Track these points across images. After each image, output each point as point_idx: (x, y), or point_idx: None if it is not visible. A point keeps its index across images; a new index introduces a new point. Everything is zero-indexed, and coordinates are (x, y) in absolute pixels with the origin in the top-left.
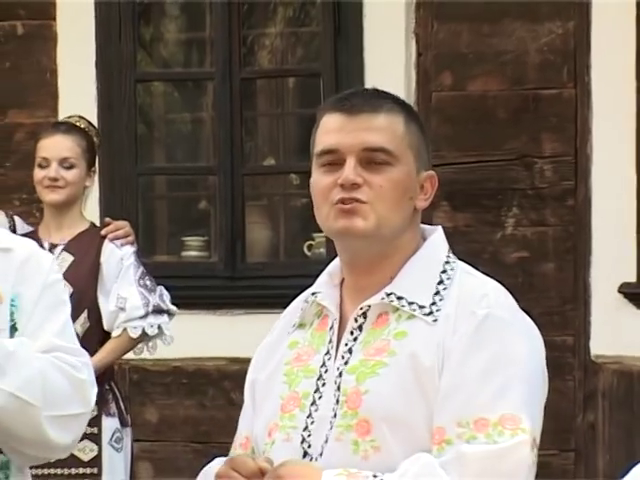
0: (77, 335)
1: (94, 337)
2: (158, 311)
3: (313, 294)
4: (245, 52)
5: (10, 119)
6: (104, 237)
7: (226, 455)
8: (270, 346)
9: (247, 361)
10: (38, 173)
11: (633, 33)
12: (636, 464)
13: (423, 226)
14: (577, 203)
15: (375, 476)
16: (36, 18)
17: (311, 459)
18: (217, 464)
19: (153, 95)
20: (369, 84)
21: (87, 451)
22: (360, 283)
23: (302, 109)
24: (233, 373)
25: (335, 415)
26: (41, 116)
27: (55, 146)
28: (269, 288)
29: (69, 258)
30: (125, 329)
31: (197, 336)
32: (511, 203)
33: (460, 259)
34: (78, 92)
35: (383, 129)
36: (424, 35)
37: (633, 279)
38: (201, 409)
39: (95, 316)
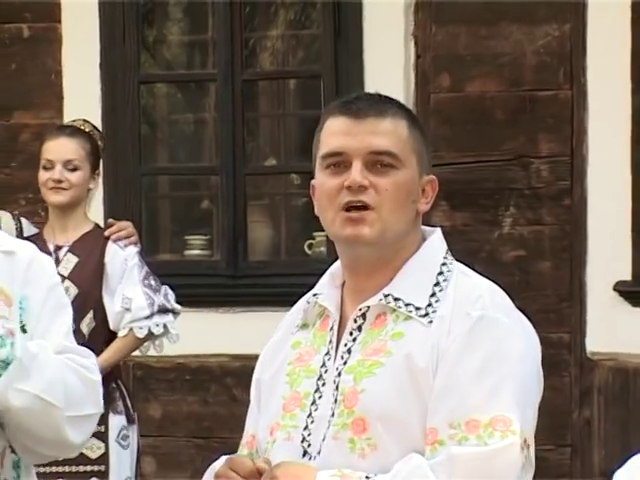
0: (83, 335)
1: (100, 337)
2: (163, 311)
3: (315, 295)
4: (247, 54)
5: (16, 120)
6: (108, 238)
7: (229, 451)
8: (274, 346)
9: (249, 358)
10: (43, 175)
11: (628, 35)
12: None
13: (423, 228)
14: (573, 203)
15: (368, 477)
16: (41, 21)
17: (310, 458)
18: (218, 463)
19: (156, 96)
20: (369, 86)
21: (94, 449)
22: (360, 285)
23: (303, 110)
24: (235, 370)
25: (333, 414)
26: (46, 117)
27: (59, 148)
28: (270, 286)
29: (74, 259)
30: (131, 329)
31: (200, 333)
32: (508, 203)
33: (458, 258)
34: (83, 93)
35: (389, 133)
36: (423, 37)
37: (628, 277)
38: (204, 405)
39: (100, 316)
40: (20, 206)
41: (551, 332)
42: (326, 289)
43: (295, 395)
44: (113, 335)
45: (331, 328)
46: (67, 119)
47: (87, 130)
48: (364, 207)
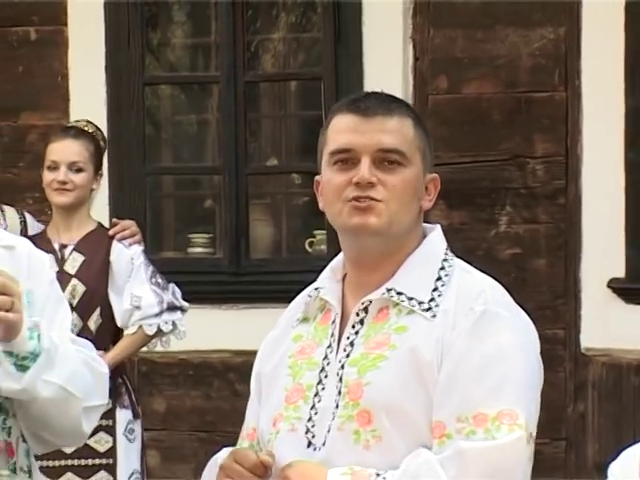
0: (91, 332)
1: (107, 334)
2: (172, 308)
3: (316, 289)
4: (249, 57)
5: (23, 121)
6: (112, 237)
7: (232, 444)
8: (275, 340)
9: (251, 353)
10: (48, 176)
11: (622, 38)
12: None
13: (423, 225)
14: (568, 202)
15: (378, 474)
16: (48, 24)
17: (315, 449)
18: (224, 454)
19: (160, 98)
20: (368, 87)
21: (103, 442)
22: (363, 279)
23: (304, 111)
24: (237, 365)
25: (337, 406)
26: (53, 118)
27: (64, 150)
28: (272, 283)
29: (80, 258)
30: (141, 326)
31: (203, 330)
32: (504, 202)
33: (456, 256)
34: (88, 95)
35: (396, 131)
36: (421, 40)
37: (622, 275)
38: (206, 400)
39: (107, 313)
40: (27, 205)
41: (546, 328)
42: (327, 283)
43: (298, 387)
44: (119, 332)
45: (333, 321)
46: (73, 120)
47: (90, 131)
48: (372, 200)
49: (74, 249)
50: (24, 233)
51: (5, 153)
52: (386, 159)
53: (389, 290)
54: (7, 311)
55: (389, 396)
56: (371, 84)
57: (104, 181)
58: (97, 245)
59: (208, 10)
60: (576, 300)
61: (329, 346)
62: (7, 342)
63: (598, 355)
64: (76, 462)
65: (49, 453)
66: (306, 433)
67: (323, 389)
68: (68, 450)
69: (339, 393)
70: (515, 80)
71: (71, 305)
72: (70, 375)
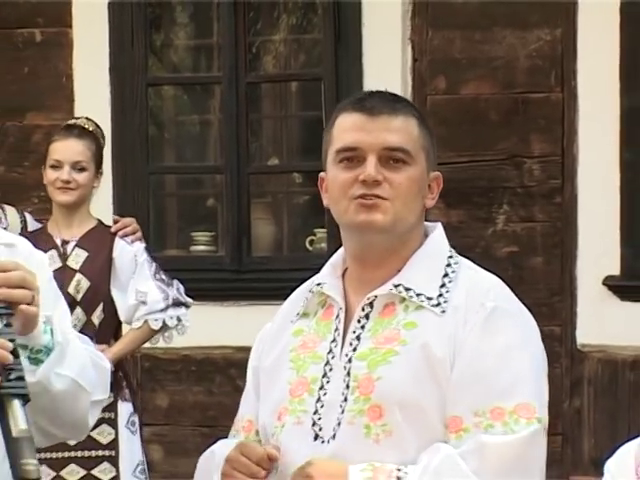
0: (94, 326)
1: (109, 328)
2: (177, 304)
3: (318, 284)
4: (251, 58)
5: (28, 121)
6: (114, 234)
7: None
8: (274, 334)
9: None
10: (51, 174)
11: (617, 40)
12: (620, 445)
13: (424, 223)
14: (564, 200)
15: (399, 469)
16: (53, 26)
17: (322, 442)
18: (219, 447)
19: (163, 98)
20: (368, 88)
21: (105, 434)
22: (367, 276)
23: (304, 112)
24: (239, 361)
25: (345, 399)
26: (58, 118)
27: (68, 149)
28: (273, 281)
29: (83, 254)
30: (146, 321)
31: (205, 326)
32: (502, 200)
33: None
34: (93, 95)
35: (401, 130)
36: (419, 42)
37: (617, 272)
38: (209, 395)
39: (109, 308)
40: (32, 204)
41: (543, 325)
42: (329, 279)
43: (302, 380)
44: (119, 327)
45: (337, 316)
46: (72, 118)
47: (91, 129)
48: (378, 197)
49: (77, 245)
50: (24, 232)
51: (11, 153)
52: (391, 157)
53: (397, 286)
54: (28, 305)
55: (402, 391)
56: (371, 85)
57: (108, 180)
58: (99, 241)
59: (210, 12)
60: (572, 297)
61: (333, 340)
62: (23, 335)
63: (594, 351)
64: (79, 454)
65: (52, 445)
66: (312, 426)
67: (328, 382)
68: (71, 442)
69: (347, 387)
70: (512, 81)
71: (75, 300)
72: (80, 369)
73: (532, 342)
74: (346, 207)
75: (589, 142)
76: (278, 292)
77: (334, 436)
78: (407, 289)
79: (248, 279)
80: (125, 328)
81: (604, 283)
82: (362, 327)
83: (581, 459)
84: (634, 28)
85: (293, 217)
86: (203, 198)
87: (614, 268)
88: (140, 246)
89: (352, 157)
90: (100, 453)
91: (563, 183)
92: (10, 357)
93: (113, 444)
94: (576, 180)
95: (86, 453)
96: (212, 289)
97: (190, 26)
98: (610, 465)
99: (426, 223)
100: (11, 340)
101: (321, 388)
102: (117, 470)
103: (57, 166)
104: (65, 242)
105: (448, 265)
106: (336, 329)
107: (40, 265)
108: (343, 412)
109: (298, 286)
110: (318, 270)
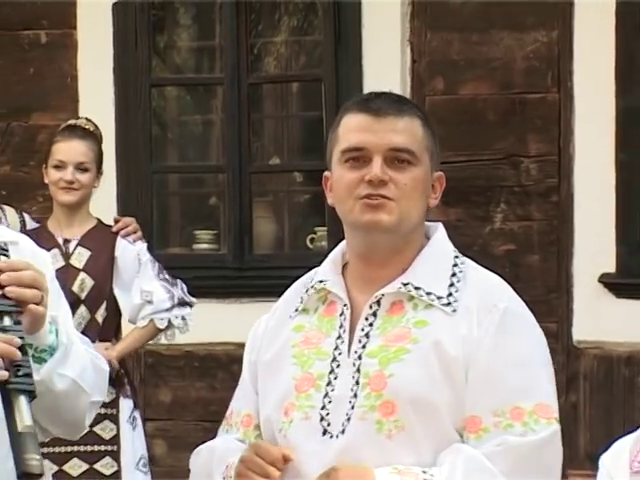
0: (98, 324)
1: (111, 326)
2: (182, 303)
3: (321, 281)
4: (252, 59)
5: (34, 121)
6: (116, 233)
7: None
8: (272, 329)
9: None
10: (54, 174)
11: (613, 41)
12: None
13: (426, 223)
14: (560, 199)
15: (424, 472)
16: (58, 28)
17: (331, 436)
18: (219, 444)
19: (167, 99)
20: (367, 89)
21: (107, 430)
22: (371, 274)
23: (305, 112)
24: (241, 357)
25: (355, 395)
26: (63, 118)
27: (71, 150)
28: (274, 278)
29: (86, 253)
30: (152, 320)
31: (208, 323)
32: (499, 199)
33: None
34: (97, 96)
35: (406, 131)
36: (418, 43)
37: (612, 270)
38: (211, 391)
39: (112, 307)
40: (38, 202)
41: (540, 321)
42: (331, 276)
43: (308, 376)
44: (120, 325)
45: (341, 313)
46: (72, 118)
47: (91, 130)
48: (384, 197)
49: (79, 244)
50: (24, 231)
51: (17, 152)
52: (397, 158)
53: (405, 284)
54: (37, 304)
55: (415, 388)
56: (370, 86)
57: (112, 179)
58: (101, 241)
59: (213, 14)
60: (568, 294)
61: (339, 337)
62: (30, 334)
63: (589, 348)
64: (82, 448)
65: (55, 440)
66: (321, 421)
67: (336, 378)
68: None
69: (357, 383)
70: (509, 82)
71: (80, 298)
72: (81, 370)
73: (543, 342)
74: (352, 207)
75: (585, 142)
76: (279, 289)
77: (343, 431)
78: (416, 288)
79: (250, 276)
80: (125, 325)
81: (600, 281)
82: (370, 325)
83: (577, 454)
84: (629, 30)
85: (294, 215)
86: (205, 197)
87: (609, 266)
88: (142, 245)
89: (358, 157)
90: (102, 448)
91: (559, 182)
92: (19, 354)
93: (115, 439)
94: (572, 179)
95: (89, 448)
96: (214, 286)
97: (193, 28)
98: (605, 459)
99: (428, 223)
100: (20, 338)
101: (328, 384)
102: (118, 465)
103: (60, 166)
104: (67, 241)
105: (455, 265)
106: (341, 326)
107: (43, 264)
108: (353, 408)
109: None
110: None
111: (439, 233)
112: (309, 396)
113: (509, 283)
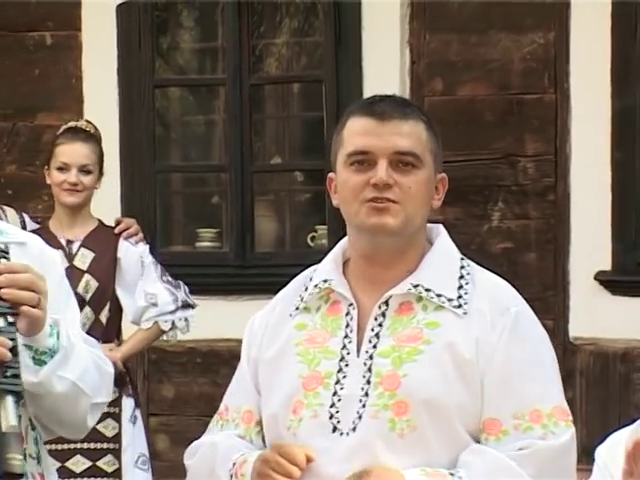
0: (102, 325)
1: (114, 327)
2: (185, 306)
3: (325, 281)
4: (254, 60)
5: (39, 121)
6: (118, 235)
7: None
8: (272, 326)
9: None
10: (58, 176)
11: (608, 43)
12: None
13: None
14: (557, 198)
15: (452, 474)
16: (63, 29)
17: (341, 434)
18: (222, 440)
19: (170, 99)
20: (367, 90)
21: (110, 428)
22: (376, 275)
23: (306, 112)
24: None
25: (367, 394)
26: (68, 119)
27: (75, 153)
28: (275, 276)
29: (90, 254)
30: (156, 322)
31: (210, 320)
32: (497, 198)
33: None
34: (101, 97)
35: (411, 134)
36: (417, 45)
37: (608, 267)
38: (214, 386)
39: (115, 307)
40: (43, 201)
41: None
42: (334, 275)
43: (315, 374)
44: (121, 325)
45: (347, 313)
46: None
47: (92, 132)
48: (389, 201)
49: (82, 245)
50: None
51: (22, 152)
52: (401, 161)
53: (416, 286)
54: (34, 307)
55: (429, 389)
56: (370, 87)
57: (116, 178)
58: (104, 242)
59: (215, 16)
60: (565, 292)
61: (346, 336)
62: (29, 336)
63: (586, 344)
64: (85, 445)
65: (59, 437)
66: (330, 419)
67: (345, 377)
68: None
69: (368, 382)
70: (507, 83)
71: (84, 299)
72: (82, 373)
73: (550, 344)
74: (357, 210)
75: (581, 142)
76: (280, 287)
77: (354, 429)
78: (427, 289)
79: (251, 274)
80: (127, 325)
81: (596, 278)
82: (380, 325)
83: None
84: (625, 32)
85: (295, 214)
86: (208, 196)
87: (605, 263)
88: (145, 247)
89: (363, 160)
90: (105, 446)
91: (556, 181)
92: (8, 354)
93: (117, 437)
94: (569, 178)
95: (92, 445)
96: (217, 284)
97: (195, 29)
98: (601, 451)
99: (428, 224)
100: (12, 339)
101: (337, 382)
102: (119, 462)
103: (64, 168)
104: (69, 242)
105: (462, 267)
106: (347, 325)
107: (52, 263)
108: (364, 406)
109: None
110: None
111: (443, 236)
112: (317, 394)
113: (507, 281)
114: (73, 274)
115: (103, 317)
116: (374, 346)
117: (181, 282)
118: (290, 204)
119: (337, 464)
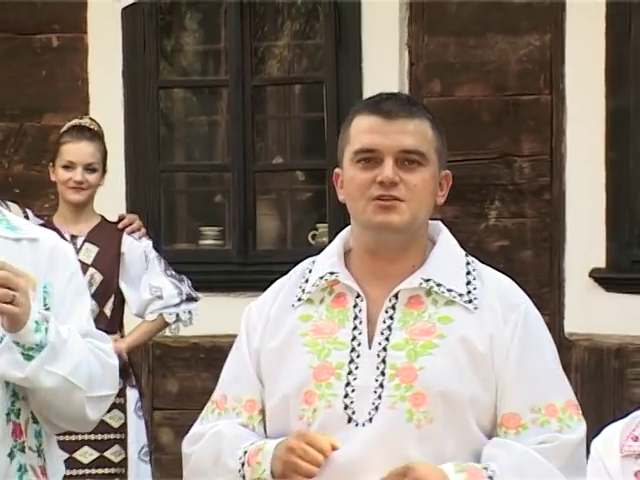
0: (107, 317)
1: (117, 319)
2: (189, 299)
3: (332, 273)
4: (256, 62)
5: (46, 122)
6: (122, 230)
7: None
8: (275, 318)
9: None
10: (63, 174)
11: (602, 45)
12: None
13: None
14: (552, 197)
15: (485, 468)
16: (69, 32)
17: (357, 424)
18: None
19: (174, 100)
20: (367, 91)
21: (116, 419)
22: (381, 269)
23: (307, 113)
24: None
25: (381, 385)
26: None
27: (80, 152)
28: (277, 273)
29: (94, 249)
30: (161, 314)
31: (213, 316)
32: (493, 197)
33: None
34: (107, 98)
35: (416, 133)
36: (416, 47)
37: (602, 265)
38: (216, 381)
39: (118, 301)
40: (50, 200)
41: None
42: (339, 269)
43: (326, 365)
44: (124, 318)
45: (354, 305)
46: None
47: (96, 129)
48: (395, 199)
49: (86, 240)
50: None
51: (30, 152)
52: (407, 159)
53: (427, 280)
54: (9, 304)
55: (445, 381)
56: (370, 88)
57: (121, 177)
58: (108, 237)
59: (218, 18)
60: (560, 289)
61: (355, 328)
62: (13, 333)
63: (581, 340)
64: (92, 437)
65: None
66: (345, 409)
67: (357, 368)
68: None
69: (382, 374)
70: (504, 84)
71: (89, 293)
72: (74, 367)
73: (552, 339)
74: (364, 207)
75: (576, 142)
76: None
77: (370, 419)
78: (438, 284)
79: (253, 271)
80: (130, 318)
81: (590, 275)
82: (390, 317)
83: None
84: (619, 34)
85: (296, 213)
86: (211, 195)
87: (600, 261)
88: (148, 242)
89: (369, 158)
90: (112, 436)
91: (552, 181)
92: None
93: (123, 428)
94: (564, 178)
95: (99, 436)
96: (219, 281)
97: (199, 32)
98: (597, 444)
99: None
100: None
101: (349, 373)
102: (126, 452)
103: (70, 167)
104: (74, 237)
105: (468, 264)
106: (355, 317)
107: (62, 259)
108: (380, 397)
109: None
110: None
111: (445, 233)
112: (330, 385)
113: None
114: None
115: (107, 310)
116: (386, 338)
117: (184, 276)
118: (291, 203)
119: (353, 454)
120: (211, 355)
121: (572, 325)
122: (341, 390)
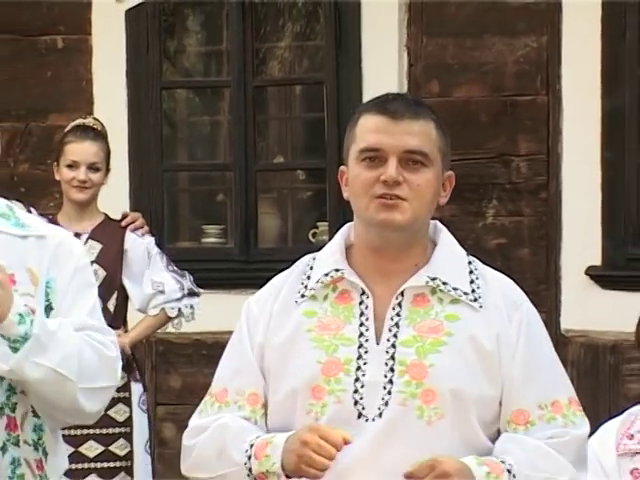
0: (110, 313)
1: (121, 314)
2: (191, 294)
3: (337, 270)
4: (257, 63)
5: (51, 122)
6: (125, 227)
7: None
8: (278, 314)
9: None
10: (67, 173)
11: (598, 46)
12: (602, 424)
13: None
14: (549, 196)
15: (503, 461)
16: (74, 33)
17: (367, 420)
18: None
19: (176, 101)
20: (366, 92)
21: (121, 413)
22: (384, 267)
23: (308, 113)
24: None
25: (391, 382)
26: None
27: (84, 151)
28: (278, 270)
29: (98, 246)
30: (163, 309)
31: (215, 313)
32: (491, 196)
33: None
34: (111, 98)
35: (421, 134)
36: (415, 48)
37: (598, 263)
38: None
39: (121, 297)
40: (55, 199)
41: None
42: (344, 266)
43: (334, 360)
44: (127, 313)
45: (360, 302)
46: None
47: (99, 129)
48: (398, 197)
49: (89, 237)
50: None
51: (35, 151)
52: (411, 159)
53: (433, 279)
54: None
55: (453, 377)
56: (369, 88)
57: (125, 177)
58: (111, 234)
59: (220, 20)
60: (556, 286)
61: (361, 325)
62: None
63: (577, 336)
64: (98, 431)
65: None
66: (355, 405)
67: (366, 364)
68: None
69: (391, 370)
70: (501, 85)
71: None
72: (63, 359)
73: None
74: (367, 205)
75: (572, 142)
76: None
77: (380, 415)
78: (444, 283)
79: (255, 269)
80: (133, 313)
81: (586, 273)
82: (397, 315)
83: None
84: (614, 35)
85: (297, 211)
86: (213, 194)
87: (596, 259)
88: (150, 239)
89: (374, 157)
90: (117, 430)
91: (548, 180)
92: None
93: (128, 421)
94: (560, 177)
95: (104, 430)
96: (221, 278)
97: (201, 33)
98: (593, 442)
99: None
100: None
101: (358, 369)
102: (131, 446)
103: (73, 166)
104: (78, 234)
105: (470, 263)
106: (361, 314)
107: (67, 255)
108: (390, 393)
109: None
110: None
111: (445, 232)
112: (339, 380)
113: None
114: None
115: (111, 305)
116: (394, 335)
117: (186, 272)
118: (292, 201)
119: (363, 448)
120: (213, 351)
121: (568, 322)
122: (350, 386)
